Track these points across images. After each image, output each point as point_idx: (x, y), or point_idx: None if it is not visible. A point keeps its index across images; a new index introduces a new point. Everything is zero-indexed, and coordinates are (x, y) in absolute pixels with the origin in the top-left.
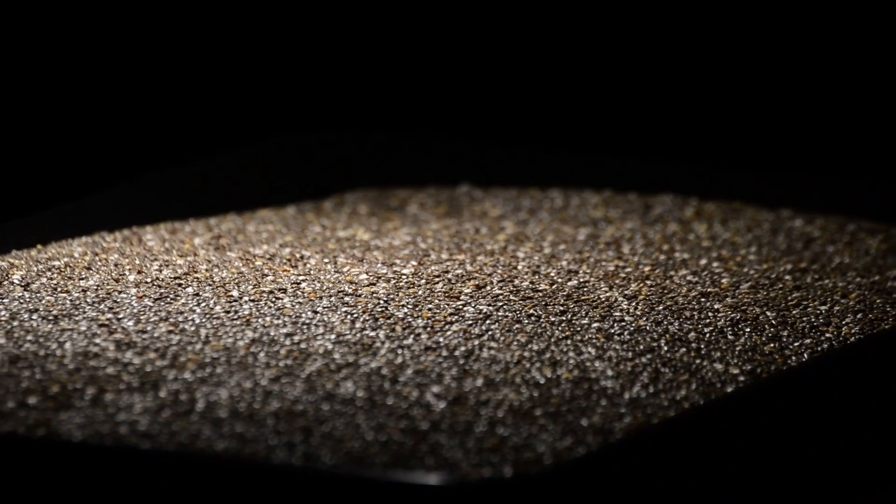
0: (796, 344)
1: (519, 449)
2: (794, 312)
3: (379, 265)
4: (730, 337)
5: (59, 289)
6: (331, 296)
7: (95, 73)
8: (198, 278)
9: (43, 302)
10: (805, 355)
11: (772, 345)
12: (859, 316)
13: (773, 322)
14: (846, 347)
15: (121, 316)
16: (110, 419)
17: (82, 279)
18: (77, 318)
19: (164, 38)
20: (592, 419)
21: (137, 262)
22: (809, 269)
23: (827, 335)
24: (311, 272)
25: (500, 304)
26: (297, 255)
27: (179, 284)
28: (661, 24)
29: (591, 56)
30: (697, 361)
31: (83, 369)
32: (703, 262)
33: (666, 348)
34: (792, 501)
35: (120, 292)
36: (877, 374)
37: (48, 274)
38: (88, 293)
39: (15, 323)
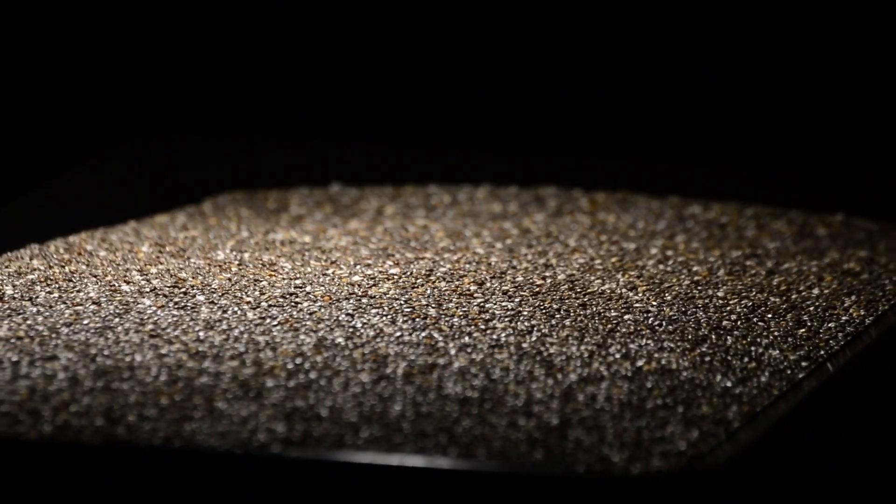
0: (823, 328)
1: (656, 442)
2: (793, 297)
3: (356, 266)
4: (760, 323)
5: (68, 302)
6: (346, 298)
7: None
8: (194, 286)
9: (66, 316)
10: (839, 337)
11: (802, 330)
12: (853, 298)
13: (785, 307)
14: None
15: (163, 326)
16: (242, 428)
17: (79, 291)
18: (119, 331)
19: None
20: (703, 410)
21: (112, 271)
22: (756, 254)
23: (843, 318)
24: (299, 276)
25: (517, 299)
26: (266, 260)
27: (185, 293)
28: (516, 18)
29: (448, 51)
30: (752, 349)
31: (178, 380)
32: (654, 251)
33: (714, 337)
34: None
35: (135, 302)
36: None
37: (37, 288)
38: (104, 305)
39: (63, 337)
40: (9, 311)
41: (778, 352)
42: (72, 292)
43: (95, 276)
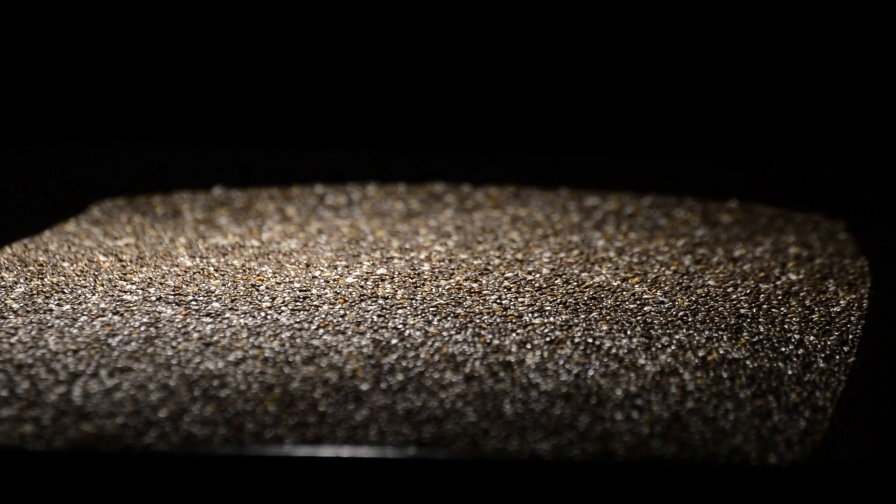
0: (833, 312)
1: (774, 432)
2: (778, 283)
3: (337, 268)
4: (773, 311)
5: (86, 314)
6: (360, 301)
7: None
8: (196, 293)
9: (98, 328)
10: (854, 319)
11: (815, 315)
12: (832, 282)
13: (781, 294)
14: None
15: (208, 334)
16: (366, 432)
17: (85, 302)
18: (166, 340)
19: None
20: (793, 398)
21: (95, 282)
22: (696, 243)
23: (843, 302)
24: (289, 280)
25: (527, 295)
26: (239, 265)
27: (194, 300)
28: (390, 14)
29: (318, 49)
30: (789, 336)
31: (272, 387)
32: (601, 243)
33: (747, 326)
34: None
35: (155, 311)
36: None
37: (38, 299)
38: (126, 316)
39: (118, 349)
40: (37, 326)
41: (813, 337)
42: (79, 304)
43: (86, 287)
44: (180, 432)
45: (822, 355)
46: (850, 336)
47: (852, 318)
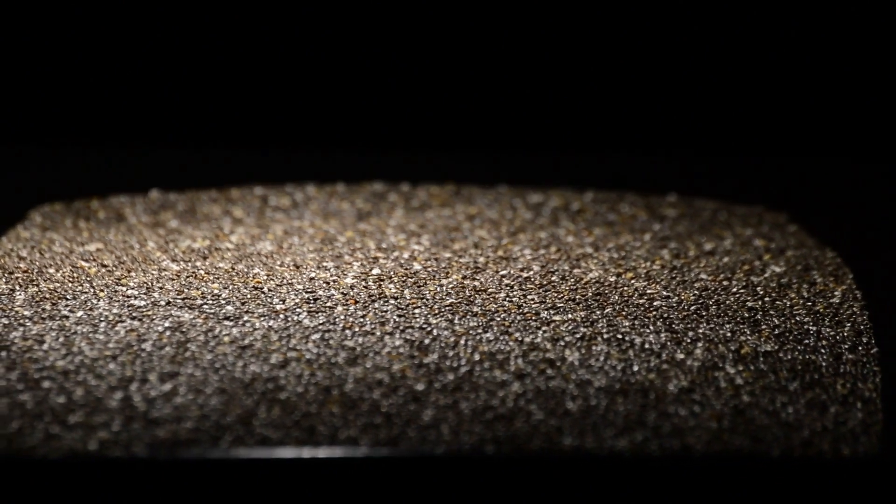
0: (833, 303)
1: (837, 424)
2: (767, 276)
3: (329, 270)
4: (778, 304)
5: (103, 320)
6: (372, 301)
7: None
8: (201, 296)
9: (123, 334)
10: (857, 309)
11: (820, 308)
12: (815, 272)
13: (774, 287)
14: None
15: (239, 338)
16: (439, 431)
17: (95, 308)
18: (199, 344)
19: None
20: (839, 390)
21: (93, 288)
22: (663, 238)
23: (837, 293)
24: (288, 282)
25: (533, 293)
26: (228, 268)
27: (204, 305)
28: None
29: (245, 52)
30: (805, 329)
31: (331, 388)
32: (570, 239)
33: (761, 319)
34: None
35: (176, 316)
36: None
37: (46, 306)
38: (146, 322)
39: (156, 354)
40: (62, 332)
41: (828, 328)
42: (91, 310)
43: (87, 293)
44: (255, 436)
45: (846, 346)
46: (863, 327)
47: (855, 309)
